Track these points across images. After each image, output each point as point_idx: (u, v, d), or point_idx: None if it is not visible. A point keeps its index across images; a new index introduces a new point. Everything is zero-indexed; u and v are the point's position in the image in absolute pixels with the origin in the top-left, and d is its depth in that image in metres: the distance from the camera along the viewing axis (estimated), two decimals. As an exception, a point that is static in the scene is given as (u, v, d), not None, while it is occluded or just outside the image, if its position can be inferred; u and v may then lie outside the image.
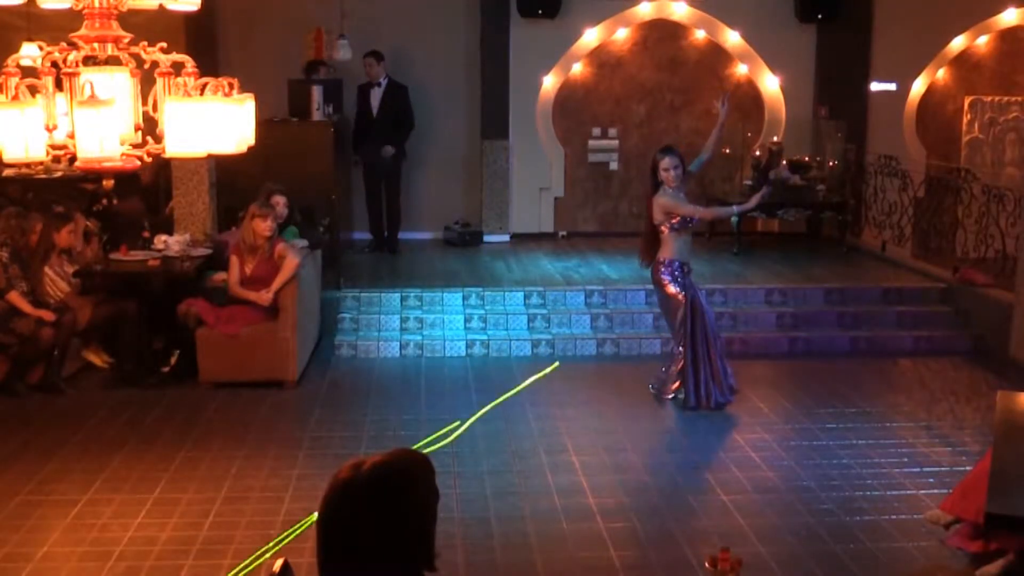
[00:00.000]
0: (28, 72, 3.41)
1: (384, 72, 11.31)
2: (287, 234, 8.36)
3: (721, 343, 7.80)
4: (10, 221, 8.06)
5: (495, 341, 9.05)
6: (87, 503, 5.87)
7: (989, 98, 12.48)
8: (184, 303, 8.00)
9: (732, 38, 12.45)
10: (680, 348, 7.59)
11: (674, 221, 7.52)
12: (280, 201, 8.43)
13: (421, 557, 2.35)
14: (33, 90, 3.33)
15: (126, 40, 3.50)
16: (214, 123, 3.35)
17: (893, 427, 7.26)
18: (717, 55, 12.64)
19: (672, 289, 7.58)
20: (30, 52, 4.02)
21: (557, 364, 6.65)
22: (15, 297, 7.72)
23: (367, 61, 11.24)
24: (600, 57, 12.56)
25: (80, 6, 3.48)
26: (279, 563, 2.68)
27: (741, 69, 12.64)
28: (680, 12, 12.36)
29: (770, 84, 12.57)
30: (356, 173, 11.66)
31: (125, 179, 8.95)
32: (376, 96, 11.34)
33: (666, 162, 7.52)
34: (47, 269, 8.16)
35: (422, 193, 12.36)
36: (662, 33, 12.56)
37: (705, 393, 7.54)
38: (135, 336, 8.15)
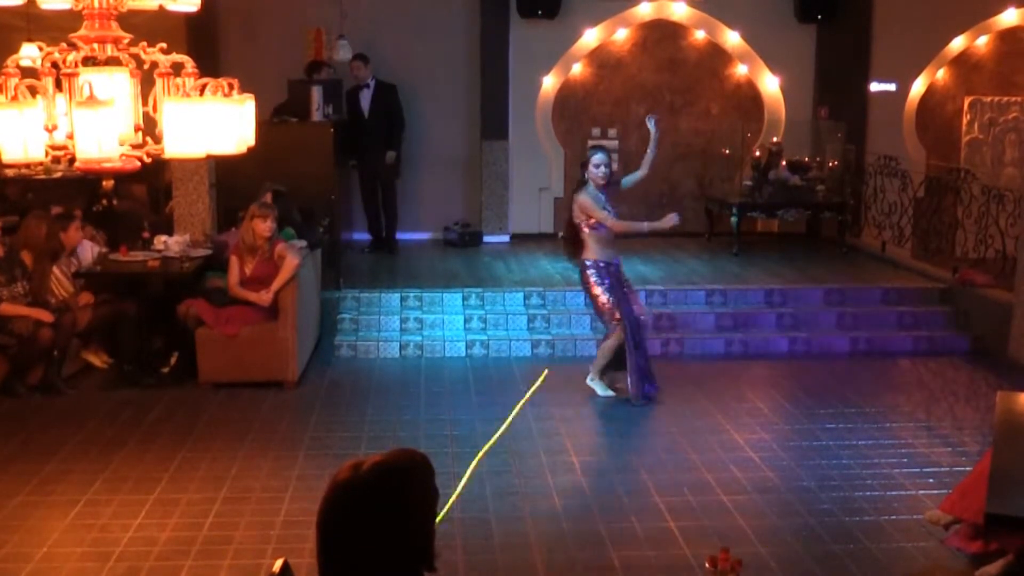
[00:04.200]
0: (28, 73, 3.41)
1: (371, 73, 11.33)
2: (284, 234, 8.35)
3: (644, 344, 7.74)
4: (31, 223, 8.10)
5: (495, 341, 9.05)
6: (87, 503, 5.87)
7: (989, 98, 12.50)
8: (184, 303, 8.00)
9: (732, 38, 12.46)
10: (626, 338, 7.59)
11: (591, 222, 7.53)
12: (268, 196, 8.43)
13: (421, 557, 2.35)
14: (33, 91, 3.33)
15: (126, 41, 3.50)
16: (213, 124, 3.35)
17: (893, 427, 7.27)
18: (717, 56, 12.65)
19: (597, 291, 7.59)
20: (30, 53, 4.01)
21: (547, 372, 6.69)
22: (5, 308, 7.70)
23: (354, 64, 11.27)
24: (600, 58, 12.56)
25: (80, 7, 3.48)
26: (279, 563, 2.68)
27: (741, 69, 12.65)
28: (680, 12, 12.37)
29: (770, 84, 12.57)
30: (354, 174, 11.65)
31: (126, 179, 8.99)
32: (366, 98, 11.34)
33: (596, 159, 7.58)
34: (55, 269, 8.18)
35: (422, 193, 12.37)
36: (662, 34, 12.56)
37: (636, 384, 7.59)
38: (135, 337, 8.16)
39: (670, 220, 7.55)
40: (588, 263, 7.62)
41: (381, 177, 11.45)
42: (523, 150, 12.26)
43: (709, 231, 12.24)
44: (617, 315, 7.56)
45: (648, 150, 7.87)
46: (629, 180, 7.86)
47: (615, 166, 12.43)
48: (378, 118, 11.30)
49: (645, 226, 7.97)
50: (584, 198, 7.54)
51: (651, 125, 7.87)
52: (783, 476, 6.36)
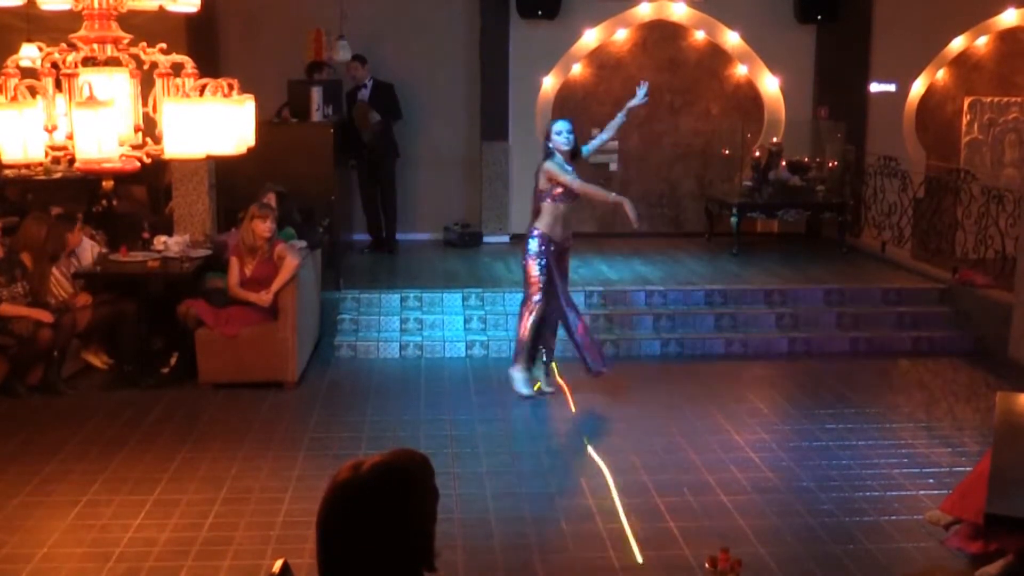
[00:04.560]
0: (28, 73, 3.41)
1: (369, 74, 11.34)
2: (283, 234, 8.35)
3: (581, 323, 7.74)
4: (31, 224, 8.10)
5: (495, 342, 9.05)
6: (87, 504, 5.87)
7: (988, 99, 12.50)
8: (183, 304, 8.00)
9: (732, 39, 12.46)
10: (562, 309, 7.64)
11: (556, 193, 7.50)
12: (271, 197, 8.43)
13: (421, 557, 2.35)
14: (33, 91, 3.33)
15: (125, 41, 3.50)
16: (213, 124, 3.35)
17: (893, 428, 7.27)
18: (717, 56, 12.65)
19: (531, 263, 7.55)
20: (30, 53, 4.02)
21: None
22: (5, 309, 7.70)
23: (352, 65, 11.28)
24: (600, 58, 12.56)
25: (80, 7, 3.48)
26: (279, 564, 2.68)
27: (741, 70, 12.65)
28: (680, 13, 12.37)
29: (769, 85, 12.57)
30: (354, 174, 11.65)
31: (126, 180, 8.99)
32: (364, 98, 11.35)
33: (557, 126, 7.57)
34: (55, 270, 8.18)
35: (422, 194, 12.37)
36: (662, 34, 12.56)
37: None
38: (134, 337, 8.16)
39: (632, 212, 7.51)
40: (536, 232, 7.58)
41: (380, 177, 11.46)
42: (523, 151, 12.24)
43: (709, 231, 12.24)
44: (537, 294, 7.56)
45: (619, 114, 7.81)
46: (589, 148, 7.80)
47: (614, 166, 12.67)
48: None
49: (612, 196, 7.92)
50: (550, 165, 7.50)
51: (640, 91, 7.83)
52: (783, 476, 6.36)
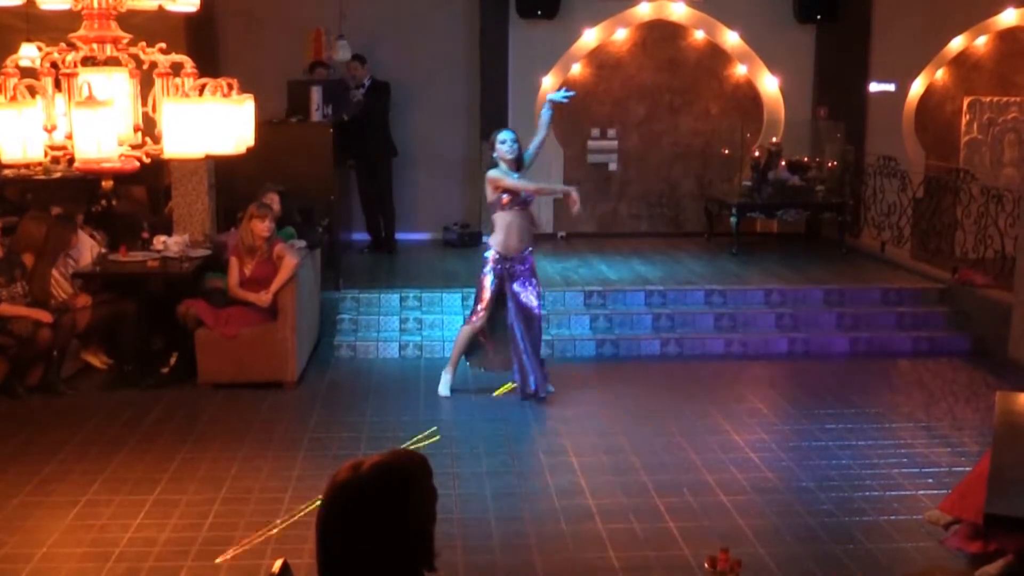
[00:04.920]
0: (27, 73, 3.40)
1: (368, 73, 11.34)
2: (283, 233, 8.36)
3: (528, 343, 7.68)
4: (29, 224, 8.10)
5: (494, 342, 9.04)
6: (86, 504, 5.87)
7: (988, 99, 12.50)
8: (183, 304, 8.00)
9: (731, 39, 12.46)
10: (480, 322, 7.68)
11: (504, 202, 7.53)
12: (275, 199, 8.44)
13: (421, 557, 2.35)
14: (32, 91, 3.33)
15: (125, 41, 3.50)
16: (212, 124, 3.35)
17: (892, 428, 7.27)
18: (716, 56, 12.65)
19: (484, 278, 7.60)
20: (29, 53, 4.02)
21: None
22: (5, 309, 7.69)
23: (351, 65, 11.29)
24: (599, 58, 12.56)
25: (79, 7, 3.48)
26: (278, 563, 2.68)
27: (740, 70, 12.65)
28: (679, 13, 12.37)
29: (769, 85, 12.58)
30: (353, 174, 11.65)
31: (126, 180, 8.99)
32: (360, 97, 11.34)
33: (501, 136, 7.61)
34: (54, 270, 8.17)
35: (421, 194, 12.37)
36: (661, 34, 12.57)
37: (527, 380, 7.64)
38: (134, 337, 8.16)
39: (575, 195, 7.56)
40: (489, 247, 7.65)
41: (378, 178, 11.45)
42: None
43: (708, 231, 12.24)
44: (482, 311, 7.61)
45: (544, 110, 7.76)
46: (530, 152, 7.73)
47: (614, 166, 12.67)
48: (374, 118, 11.30)
49: (559, 187, 7.98)
50: (492, 172, 7.55)
51: (564, 91, 7.86)
52: (783, 476, 6.36)
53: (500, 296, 7.65)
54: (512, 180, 7.53)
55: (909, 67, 12.33)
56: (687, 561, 5.20)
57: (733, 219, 11.38)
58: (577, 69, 12.50)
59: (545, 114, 7.77)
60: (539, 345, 7.81)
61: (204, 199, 9.15)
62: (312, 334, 8.83)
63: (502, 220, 7.59)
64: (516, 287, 7.63)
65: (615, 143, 12.66)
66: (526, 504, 5.93)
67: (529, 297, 7.68)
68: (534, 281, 7.73)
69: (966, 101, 12.65)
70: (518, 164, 7.62)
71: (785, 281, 10.07)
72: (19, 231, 8.16)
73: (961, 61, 12.57)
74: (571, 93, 8.06)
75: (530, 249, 7.78)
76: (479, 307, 7.70)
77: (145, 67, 3.49)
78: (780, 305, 9.63)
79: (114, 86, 3.45)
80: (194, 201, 9.14)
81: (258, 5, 12.09)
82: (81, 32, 3.47)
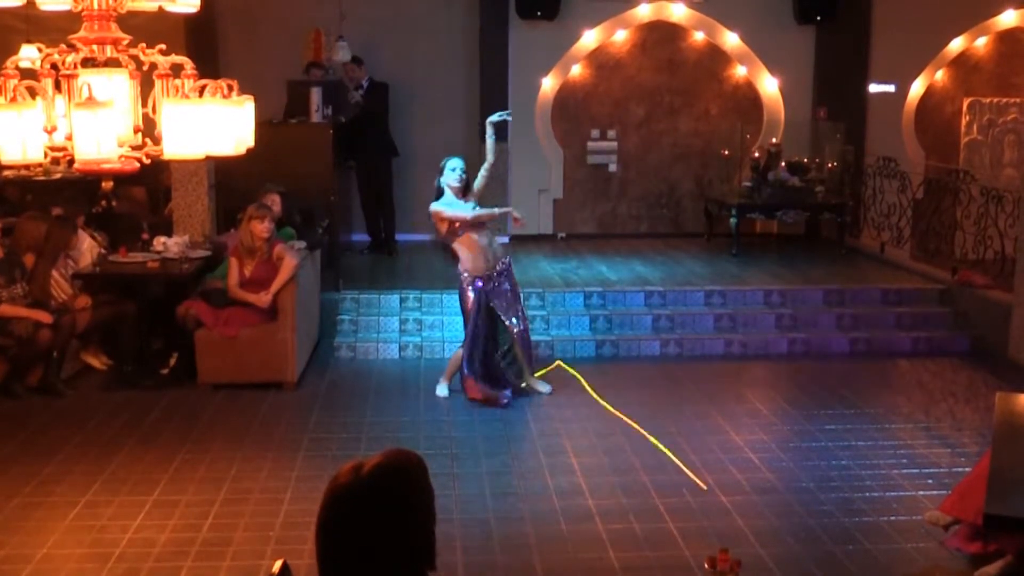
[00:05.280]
0: (27, 74, 3.41)
1: (366, 74, 11.35)
2: (282, 234, 8.36)
3: (517, 340, 7.75)
4: (28, 224, 8.10)
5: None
6: (86, 504, 5.87)
7: (988, 100, 12.51)
8: (183, 305, 8.00)
9: (731, 40, 12.46)
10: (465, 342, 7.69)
11: (456, 227, 7.53)
12: (276, 200, 8.44)
13: (423, 556, 2.36)
14: (32, 92, 3.33)
15: (125, 42, 3.50)
16: (212, 125, 3.35)
17: (892, 428, 7.27)
18: (716, 57, 12.65)
19: (467, 298, 7.60)
20: (29, 54, 4.02)
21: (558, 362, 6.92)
22: (5, 310, 7.70)
23: (348, 67, 11.29)
24: (599, 59, 12.57)
25: (79, 8, 3.48)
26: (278, 564, 2.68)
27: (740, 71, 12.66)
28: (679, 14, 12.38)
29: (769, 86, 12.58)
30: (353, 175, 11.65)
31: (125, 181, 9.00)
32: (359, 98, 11.34)
33: (451, 164, 7.63)
34: (53, 272, 8.17)
35: (421, 195, 12.29)
36: (661, 35, 12.57)
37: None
38: (134, 338, 8.16)
39: (518, 215, 7.70)
40: (462, 274, 7.62)
41: (377, 178, 11.45)
42: (522, 151, 12.26)
43: (708, 232, 12.24)
44: (471, 330, 7.62)
45: (488, 135, 7.74)
46: (479, 182, 7.69)
47: (614, 167, 12.67)
48: (373, 118, 11.31)
49: (496, 210, 7.98)
50: (434, 207, 7.56)
51: (503, 113, 7.89)
52: (782, 477, 6.36)
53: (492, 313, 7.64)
54: (452, 211, 7.53)
55: (909, 68, 12.34)
56: (687, 561, 5.20)
57: (733, 220, 11.39)
58: (577, 70, 12.50)
59: (489, 138, 7.74)
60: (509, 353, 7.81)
61: (204, 200, 9.16)
62: (312, 335, 8.83)
63: (464, 245, 7.59)
64: (495, 301, 7.65)
65: (615, 144, 12.66)
66: (526, 504, 5.93)
67: (518, 313, 7.76)
68: (511, 285, 7.75)
69: (966, 102, 12.66)
70: (464, 191, 7.61)
71: (785, 282, 10.07)
72: (17, 231, 8.16)
73: (961, 62, 12.57)
74: (507, 112, 8.08)
75: (506, 260, 7.77)
76: (468, 328, 7.69)
77: (145, 68, 3.49)
78: (780, 306, 9.64)
79: (114, 87, 3.45)
80: (194, 202, 9.15)
81: (257, 6, 12.09)
82: (81, 33, 3.47)
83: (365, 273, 10.47)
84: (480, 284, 7.57)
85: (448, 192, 7.58)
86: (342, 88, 11.31)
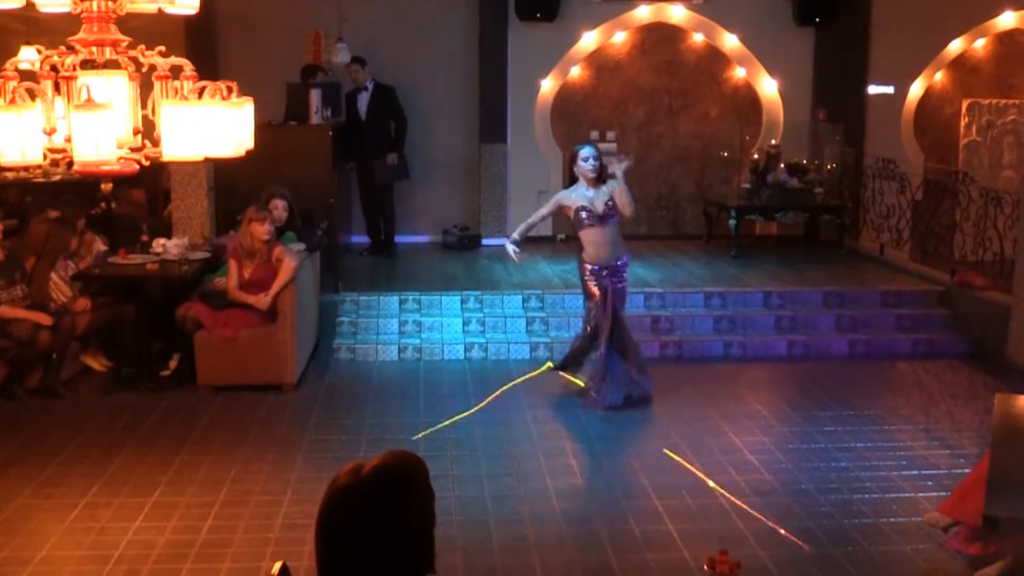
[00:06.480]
0: (27, 76, 3.41)
1: (369, 76, 11.34)
2: (285, 239, 8.36)
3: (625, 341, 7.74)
4: (37, 226, 8.11)
5: (493, 344, 9.05)
6: (86, 506, 5.87)
7: (987, 101, 12.50)
8: (183, 307, 8.00)
9: (730, 41, 12.47)
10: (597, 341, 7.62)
11: (581, 218, 7.53)
12: (279, 205, 8.44)
13: (423, 558, 2.35)
14: (31, 94, 3.34)
15: (124, 44, 3.50)
16: (211, 127, 3.35)
17: (891, 430, 7.27)
18: (715, 58, 12.66)
19: (587, 282, 7.62)
20: (29, 56, 4.03)
21: (550, 364, 6.86)
22: (4, 311, 7.70)
23: (351, 68, 11.28)
24: (598, 60, 12.57)
25: (79, 10, 3.49)
26: (277, 566, 2.68)
27: (739, 72, 12.66)
28: (678, 16, 12.38)
29: (768, 87, 12.59)
30: (353, 177, 11.66)
31: (125, 182, 8.99)
32: (363, 100, 11.35)
33: (583, 152, 7.57)
34: (52, 273, 8.17)
35: (420, 196, 12.37)
36: (660, 36, 12.58)
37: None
38: (134, 340, 8.16)
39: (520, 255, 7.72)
40: (581, 259, 7.68)
41: (378, 180, 11.45)
42: (522, 153, 12.27)
43: (708, 233, 12.25)
44: (593, 307, 7.59)
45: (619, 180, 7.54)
46: (623, 191, 7.51)
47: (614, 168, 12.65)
48: (376, 121, 11.31)
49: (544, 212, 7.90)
50: (559, 195, 7.66)
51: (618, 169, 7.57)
52: (782, 479, 6.36)
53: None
54: (544, 210, 7.72)
55: (908, 69, 12.33)
56: (686, 563, 5.20)
57: (732, 221, 11.39)
58: (576, 72, 12.51)
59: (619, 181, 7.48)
60: (631, 351, 7.72)
61: (203, 202, 9.16)
62: (311, 337, 8.83)
63: (585, 237, 7.60)
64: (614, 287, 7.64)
65: (614, 145, 12.64)
66: (525, 506, 5.93)
67: (620, 297, 7.72)
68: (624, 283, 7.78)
69: (965, 103, 12.65)
70: (598, 181, 7.56)
71: (784, 283, 10.08)
72: (25, 233, 8.16)
73: (960, 63, 12.57)
74: (629, 157, 7.80)
75: (625, 257, 7.74)
76: (590, 304, 7.67)
77: (144, 70, 3.50)
78: (779, 307, 9.64)
79: (113, 89, 3.45)
80: (193, 204, 9.15)
81: (257, 7, 12.09)
82: (80, 35, 3.47)
83: (364, 275, 10.47)
84: (597, 268, 7.56)
85: (580, 181, 7.55)
86: (340, 90, 11.31)
